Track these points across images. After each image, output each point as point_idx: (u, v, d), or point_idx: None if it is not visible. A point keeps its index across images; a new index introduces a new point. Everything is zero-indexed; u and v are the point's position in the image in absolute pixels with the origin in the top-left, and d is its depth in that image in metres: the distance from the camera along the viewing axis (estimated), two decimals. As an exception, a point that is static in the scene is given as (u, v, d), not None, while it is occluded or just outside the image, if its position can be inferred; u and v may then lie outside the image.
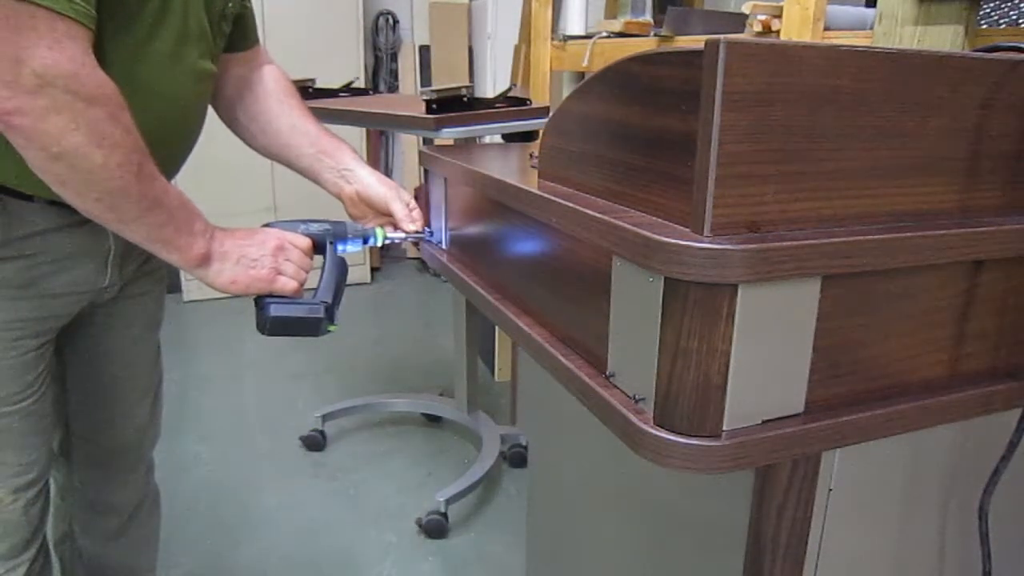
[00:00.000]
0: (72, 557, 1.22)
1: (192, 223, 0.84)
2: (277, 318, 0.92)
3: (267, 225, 0.97)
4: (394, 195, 1.06)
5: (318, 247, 0.98)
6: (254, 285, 0.90)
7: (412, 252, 4.30)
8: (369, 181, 1.07)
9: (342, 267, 1.00)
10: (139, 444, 1.18)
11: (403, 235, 1.06)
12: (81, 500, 1.18)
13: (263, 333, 0.94)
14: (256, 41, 1.12)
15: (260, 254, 0.90)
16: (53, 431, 1.04)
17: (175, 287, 3.56)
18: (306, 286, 0.96)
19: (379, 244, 1.05)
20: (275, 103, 1.11)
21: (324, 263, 0.99)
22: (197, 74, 0.93)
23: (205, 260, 0.86)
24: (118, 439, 1.15)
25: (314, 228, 0.99)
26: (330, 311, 0.96)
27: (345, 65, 3.58)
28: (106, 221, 0.79)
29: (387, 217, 1.07)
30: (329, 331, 0.96)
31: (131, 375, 1.12)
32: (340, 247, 1.01)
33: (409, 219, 1.05)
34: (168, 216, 0.81)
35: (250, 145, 1.14)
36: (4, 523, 0.94)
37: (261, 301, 0.93)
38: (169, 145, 0.92)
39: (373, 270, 4.06)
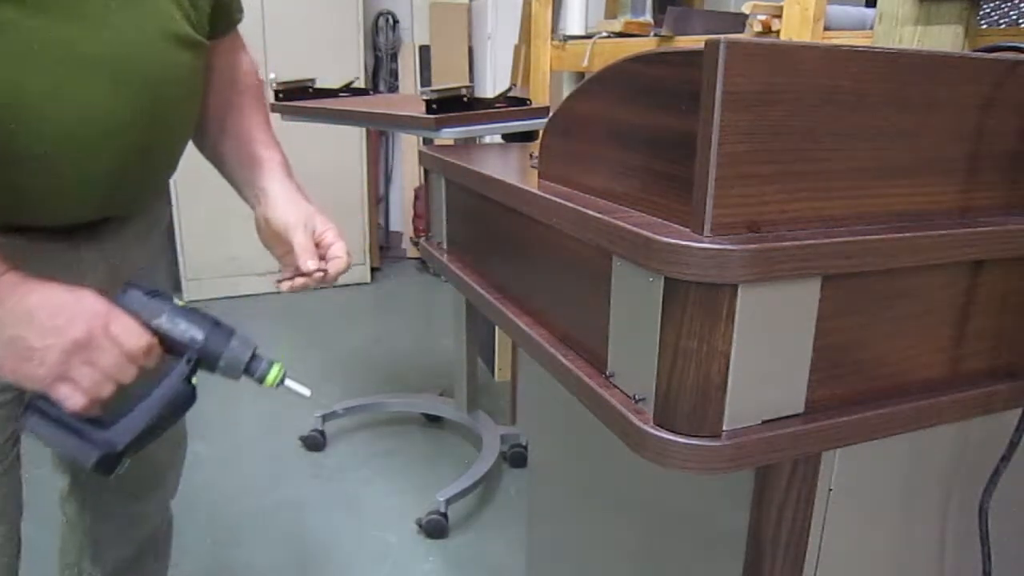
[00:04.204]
0: None
1: None
2: (35, 433, 0.66)
3: (121, 289, 0.67)
4: (299, 221, 0.81)
5: (171, 351, 0.69)
6: (23, 381, 0.64)
7: (412, 252, 4.31)
8: (276, 202, 0.83)
9: (179, 401, 0.69)
10: (156, 484, 1.06)
11: (307, 390, 0.75)
12: (91, 534, 1.08)
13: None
14: (234, 26, 0.92)
15: (46, 343, 0.61)
16: (17, 514, 0.85)
17: (175, 287, 3.56)
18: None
19: (266, 384, 0.73)
20: (212, 95, 0.90)
21: (162, 379, 0.68)
22: (171, 36, 0.72)
23: None
24: (130, 486, 1.00)
25: (175, 326, 0.68)
26: (110, 460, 0.66)
27: (345, 65, 3.58)
28: None
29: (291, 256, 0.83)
30: (113, 472, 0.67)
31: None
32: (195, 371, 0.69)
33: (308, 253, 0.79)
34: None
35: (209, 160, 0.95)
36: None
37: (33, 398, 0.66)
38: (140, 141, 0.73)
39: (373, 270, 4.06)
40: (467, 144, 1.69)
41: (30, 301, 0.62)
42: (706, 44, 0.51)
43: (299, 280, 0.82)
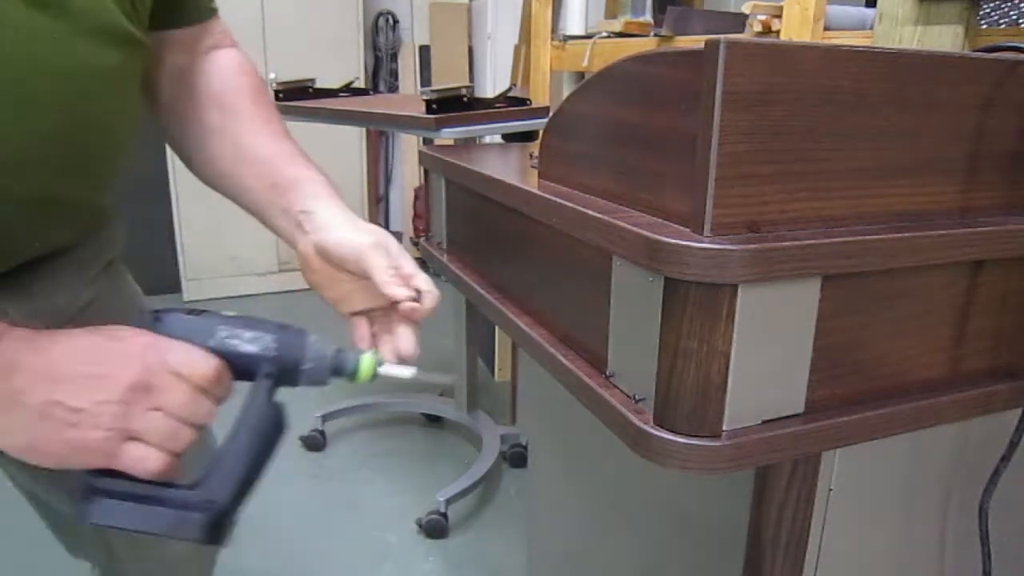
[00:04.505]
0: None
1: None
2: (110, 527, 0.51)
3: (154, 318, 0.53)
4: (375, 242, 0.63)
5: (242, 375, 0.55)
6: (74, 458, 0.48)
7: (412, 252, 4.29)
8: (333, 225, 0.65)
9: (269, 427, 0.55)
10: None
11: (409, 370, 0.61)
12: None
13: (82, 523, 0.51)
14: (208, 13, 0.75)
15: (93, 399, 0.47)
16: None
17: (175, 287, 3.56)
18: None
19: (360, 380, 0.59)
20: (215, 110, 0.73)
21: (243, 408, 0.55)
22: (96, 31, 0.57)
23: None
24: None
25: (239, 339, 0.54)
26: (219, 522, 0.51)
27: (345, 65, 3.58)
28: None
29: (362, 284, 0.65)
30: (225, 538, 0.53)
31: None
32: (278, 383, 0.56)
33: (394, 281, 0.61)
34: None
35: (201, 179, 0.76)
36: None
37: (88, 481, 0.50)
38: (59, 164, 0.59)
39: (373, 270, 4.05)
40: (467, 144, 1.69)
41: (54, 355, 0.48)
42: (706, 44, 0.51)
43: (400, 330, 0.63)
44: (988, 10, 1.28)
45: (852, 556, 0.69)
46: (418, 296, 0.62)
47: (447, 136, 1.69)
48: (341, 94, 2.27)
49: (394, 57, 4.13)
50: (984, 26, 1.27)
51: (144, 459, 0.49)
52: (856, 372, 0.61)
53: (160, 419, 0.50)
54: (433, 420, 2.42)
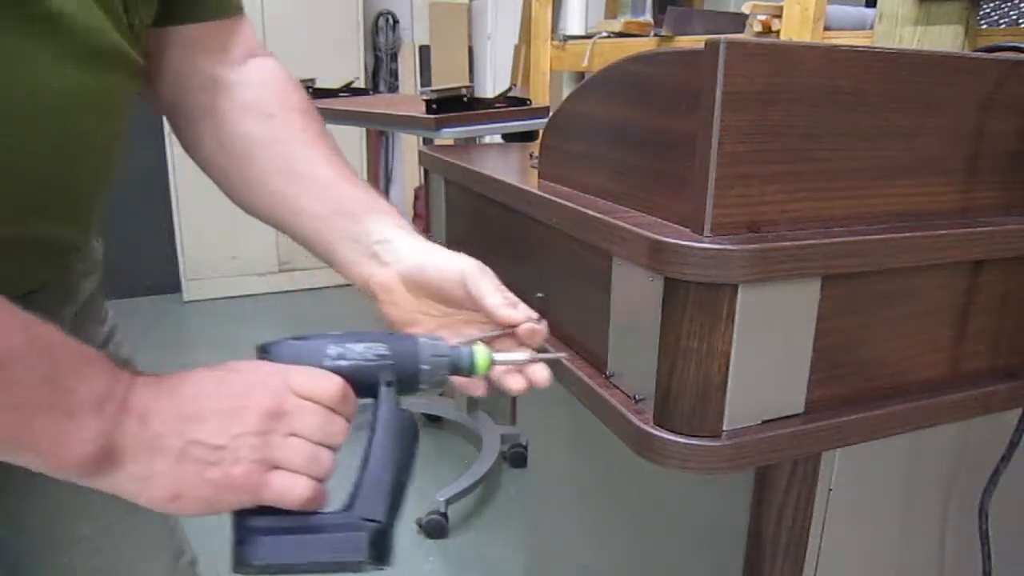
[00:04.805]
0: None
1: (72, 380, 0.43)
2: (272, 566, 0.49)
3: (262, 350, 0.52)
4: (477, 269, 0.59)
5: (362, 389, 0.52)
6: (221, 499, 0.47)
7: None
8: (425, 253, 0.60)
9: (406, 433, 0.53)
10: None
11: (523, 353, 0.57)
12: None
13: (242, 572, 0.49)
14: (231, 8, 0.67)
15: (232, 433, 0.47)
16: None
17: (175, 287, 3.56)
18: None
19: (478, 372, 0.55)
20: (260, 123, 0.65)
21: (372, 422, 0.52)
22: (90, 53, 0.51)
23: (103, 461, 0.44)
24: None
25: (353, 353, 0.52)
26: (382, 539, 0.50)
27: (345, 65, 3.58)
28: None
29: (457, 314, 0.60)
30: (390, 557, 0.51)
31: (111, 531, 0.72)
32: (401, 390, 0.53)
33: (507, 304, 0.56)
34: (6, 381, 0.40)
35: (233, 199, 0.69)
36: None
37: (240, 523, 0.49)
38: (30, 202, 0.53)
39: (373, 270, 4.05)
40: (467, 144, 1.69)
41: (185, 395, 0.47)
42: (706, 44, 0.51)
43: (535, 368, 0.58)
44: (988, 10, 1.28)
45: (852, 556, 0.69)
46: (535, 318, 0.58)
47: (447, 136, 1.69)
48: (341, 94, 2.27)
49: (394, 57, 4.13)
50: (984, 26, 1.27)
51: (291, 487, 0.48)
52: (856, 372, 0.61)
53: (299, 444, 0.48)
54: (433, 420, 2.42)
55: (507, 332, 0.58)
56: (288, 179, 0.64)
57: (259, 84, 0.67)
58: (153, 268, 3.49)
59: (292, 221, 0.65)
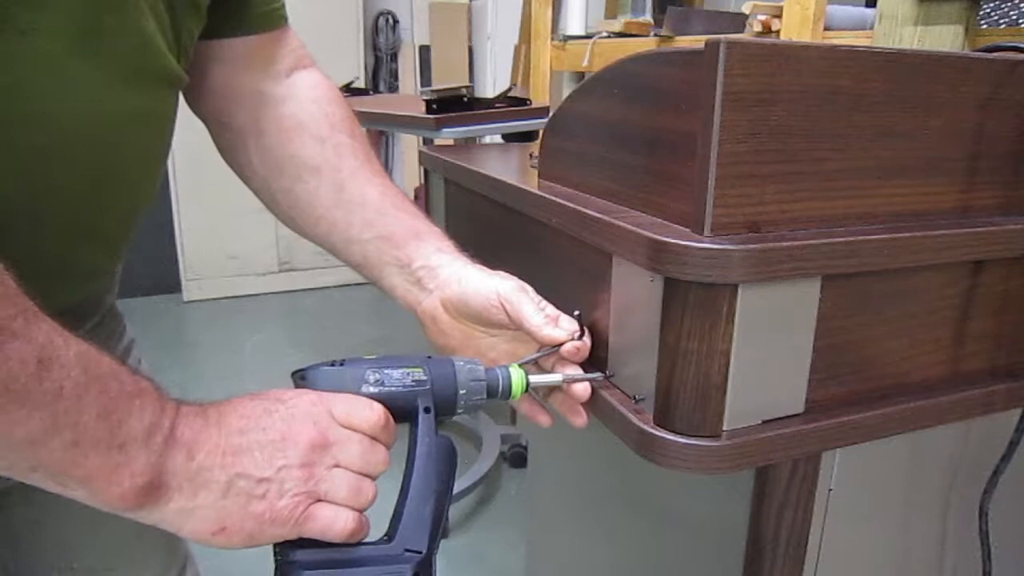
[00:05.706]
0: None
1: (123, 413, 0.42)
2: None
3: (299, 377, 0.51)
4: (516, 289, 0.59)
5: (399, 415, 0.53)
6: (265, 531, 0.47)
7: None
8: (466, 278, 0.61)
9: (446, 459, 0.53)
10: None
11: (557, 375, 0.59)
12: None
13: None
14: (277, 20, 0.66)
15: (276, 466, 0.46)
16: None
17: (175, 287, 3.56)
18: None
19: (515, 395, 0.57)
20: (309, 143, 0.65)
21: (411, 448, 0.53)
22: (141, 79, 0.51)
23: (150, 494, 0.43)
24: None
25: (390, 379, 0.52)
26: (424, 570, 0.51)
27: (345, 65, 3.58)
28: None
29: (497, 336, 0.62)
30: None
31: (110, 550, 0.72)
32: (439, 415, 0.53)
33: (548, 323, 0.57)
34: (55, 416, 0.39)
35: (278, 217, 0.69)
36: None
37: (283, 556, 0.49)
38: (78, 213, 0.52)
39: (373, 270, 4.05)
40: (467, 144, 1.69)
41: (231, 426, 0.46)
42: (706, 44, 0.51)
43: (576, 387, 0.58)
44: (988, 10, 1.28)
45: (852, 556, 0.69)
46: (577, 335, 0.58)
47: (447, 136, 1.69)
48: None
49: (394, 57, 4.14)
50: (984, 26, 1.27)
51: (336, 520, 0.48)
52: (856, 372, 0.61)
53: (343, 476, 0.48)
54: (433, 420, 2.42)
55: (552, 351, 0.58)
56: (336, 204, 0.64)
57: (307, 101, 0.67)
58: (153, 268, 3.49)
59: (342, 248, 0.65)
